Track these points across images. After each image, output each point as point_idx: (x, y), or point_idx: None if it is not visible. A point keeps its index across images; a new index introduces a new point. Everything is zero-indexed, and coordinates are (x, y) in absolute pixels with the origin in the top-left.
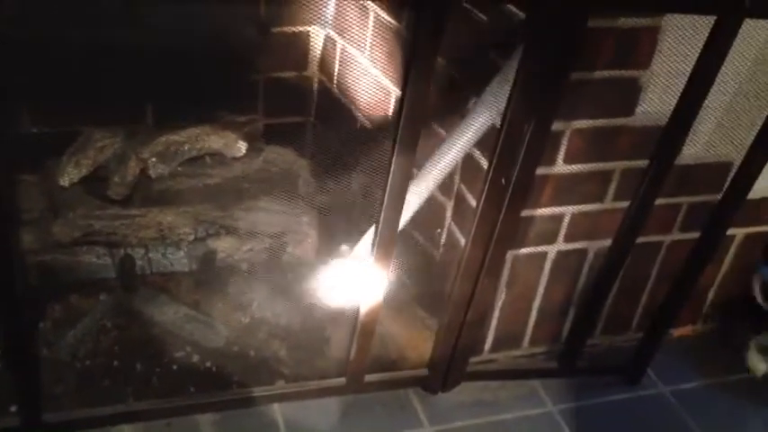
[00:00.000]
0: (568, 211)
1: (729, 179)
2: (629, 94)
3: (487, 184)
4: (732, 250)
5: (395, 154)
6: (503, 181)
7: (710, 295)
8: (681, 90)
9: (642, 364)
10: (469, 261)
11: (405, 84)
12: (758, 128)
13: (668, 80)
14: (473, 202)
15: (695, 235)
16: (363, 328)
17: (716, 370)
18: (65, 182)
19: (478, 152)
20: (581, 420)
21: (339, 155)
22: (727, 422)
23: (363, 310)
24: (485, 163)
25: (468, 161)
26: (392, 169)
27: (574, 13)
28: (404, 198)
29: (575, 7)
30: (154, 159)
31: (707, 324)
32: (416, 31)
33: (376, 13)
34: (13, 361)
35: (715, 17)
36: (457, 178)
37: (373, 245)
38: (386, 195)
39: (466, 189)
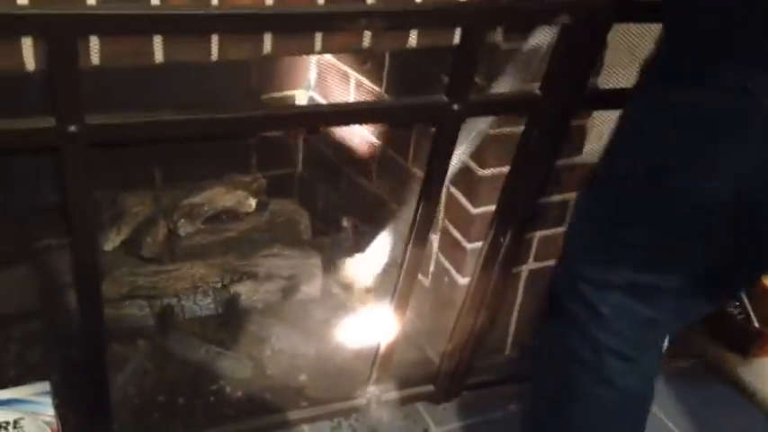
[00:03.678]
0: (537, 235)
1: None
2: (578, 138)
3: (488, 241)
4: None
5: (416, 222)
6: (501, 240)
7: None
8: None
9: None
10: (472, 301)
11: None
12: None
13: (610, 120)
14: (458, 236)
15: None
16: (383, 358)
17: (672, 364)
18: (108, 247)
19: (461, 196)
20: None
21: (327, 199)
22: (681, 402)
23: (383, 344)
24: (467, 204)
25: (450, 200)
26: (413, 233)
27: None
28: (421, 258)
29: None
30: (182, 220)
31: None
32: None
33: (357, 78)
34: (96, 404)
35: None
36: (441, 215)
37: (393, 293)
38: (406, 256)
39: (450, 224)
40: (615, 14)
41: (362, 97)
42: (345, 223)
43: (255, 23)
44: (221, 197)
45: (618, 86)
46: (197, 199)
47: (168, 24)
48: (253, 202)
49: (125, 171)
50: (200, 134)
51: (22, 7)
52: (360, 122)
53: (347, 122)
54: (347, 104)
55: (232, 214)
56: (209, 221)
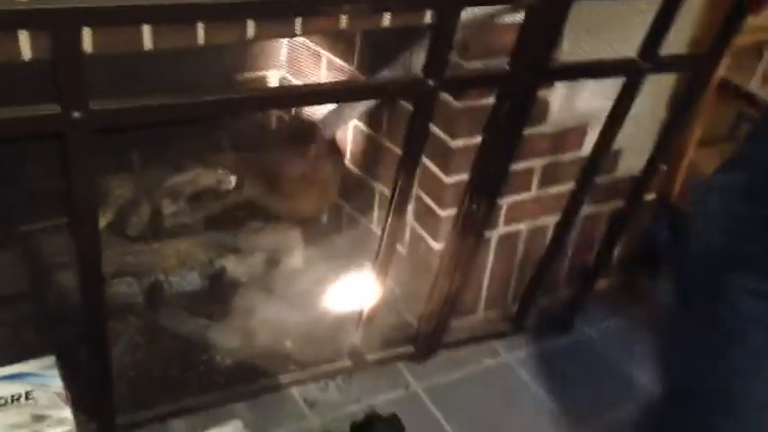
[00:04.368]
0: (506, 201)
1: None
2: (541, 108)
3: (464, 210)
4: None
5: (394, 200)
6: (474, 207)
7: (616, 253)
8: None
9: (572, 315)
10: (448, 265)
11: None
12: None
13: (568, 92)
14: (432, 204)
15: (599, 209)
16: (365, 322)
17: (624, 312)
18: None
19: (434, 166)
20: (531, 364)
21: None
22: (636, 350)
23: (365, 310)
24: (440, 174)
25: (424, 171)
26: (392, 205)
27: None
28: (400, 227)
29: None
30: (166, 200)
31: (615, 277)
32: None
33: (328, 58)
34: (98, 378)
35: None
36: (416, 185)
37: (374, 262)
38: (386, 227)
39: (424, 193)
40: None
41: (333, 74)
42: None
43: (241, 11)
44: (202, 177)
45: (576, 59)
46: (179, 179)
47: (161, 14)
48: (232, 180)
49: (107, 155)
50: (195, 116)
51: (28, 2)
52: (339, 101)
53: (326, 101)
54: (326, 84)
55: (213, 192)
56: (192, 200)
